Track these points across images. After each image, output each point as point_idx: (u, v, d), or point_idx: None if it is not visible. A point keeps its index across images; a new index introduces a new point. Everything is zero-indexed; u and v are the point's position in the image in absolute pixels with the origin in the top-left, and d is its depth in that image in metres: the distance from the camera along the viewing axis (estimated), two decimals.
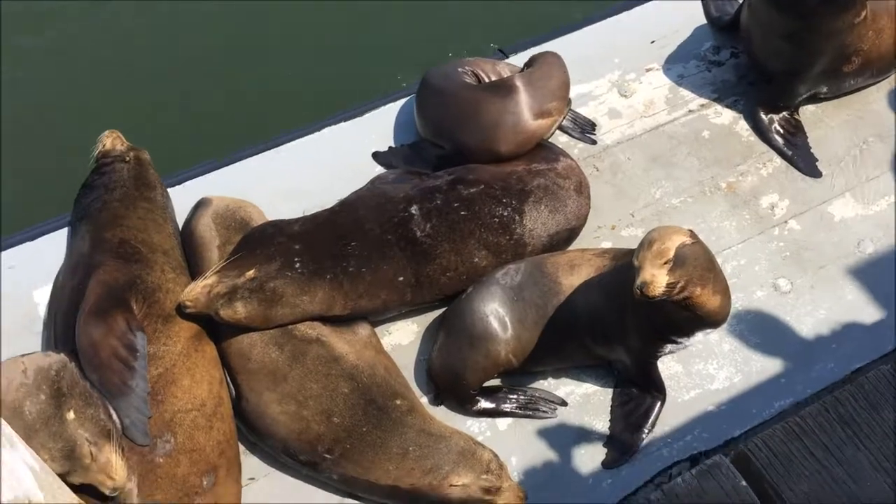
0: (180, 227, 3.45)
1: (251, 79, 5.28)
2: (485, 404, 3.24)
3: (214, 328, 3.11)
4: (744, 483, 2.48)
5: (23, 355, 2.72)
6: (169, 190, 3.62)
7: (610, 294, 3.10)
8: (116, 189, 3.31)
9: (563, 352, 3.25)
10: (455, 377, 3.20)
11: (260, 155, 3.96)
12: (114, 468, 2.55)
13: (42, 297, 3.43)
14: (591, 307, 3.13)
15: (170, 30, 5.49)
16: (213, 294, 2.95)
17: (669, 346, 3.18)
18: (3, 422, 1.89)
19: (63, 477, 2.50)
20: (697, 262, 2.82)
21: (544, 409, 3.26)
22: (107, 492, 2.56)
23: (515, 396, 3.26)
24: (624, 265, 3.06)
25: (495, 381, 3.32)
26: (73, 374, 2.65)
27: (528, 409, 3.25)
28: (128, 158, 3.42)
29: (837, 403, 2.62)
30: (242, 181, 3.82)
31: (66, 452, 2.49)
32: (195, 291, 2.95)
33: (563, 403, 3.29)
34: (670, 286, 2.75)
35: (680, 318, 2.94)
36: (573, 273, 3.18)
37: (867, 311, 3.55)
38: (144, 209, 3.28)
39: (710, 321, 2.99)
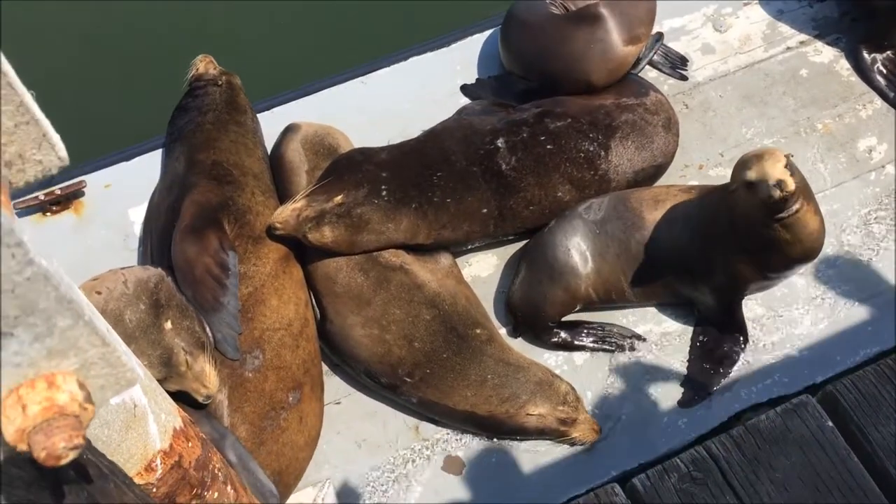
0: (269, 152, 3.52)
1: (338, 8, 5.27)
2: (563, 337, 3.25)
3: (301, 251, 3.19)
4: (830, 423, 2.43)
5: (122, 268, 2.84)
6: (260, 114, 3.68)
7: (697, 229, 3.07)
8: (209, 112, 3.38)
9: (645, 288, 3.23)
10: (534, 309, 3.21)
11: (346, 83, 3.97)
12: (207, 376, 2.67)
13: (137, 215, 3.56)
14: (675, 242, 3.10)
15: None
16: (301, 217, 3.01)
17: (756, 285, 3.13)
18: (112, 330, 1.98)
19: (159, 383, 2.64)
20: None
21: (621, 343, 3.25)
22: (200, 399, 2.69)
23: (593, 331, 3.27)
24: (711, 200, 3.03)
25: (574, 316, 3.33)
26: (170, 287, 2.76)
27: (605, 344, 3.25)
28: (220, 82, 3.48)
29: None
30: (329, 108, 3.84)
31: (163, 360, 2.61)
32: (285, 214, 3.02)
33: (641, 338, 3.28)
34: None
35: (781, 240, 2.92)
36: (658, 208, 3.14)
37: None
38: (235, 132, 3.34)
39: (807, 246, 2.97)
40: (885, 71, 3.90)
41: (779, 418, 2.45)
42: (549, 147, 3.25)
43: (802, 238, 2.92)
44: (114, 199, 3.64)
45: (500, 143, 3.23)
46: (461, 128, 3.31)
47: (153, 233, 3.23)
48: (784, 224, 2.86)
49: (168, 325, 2.65)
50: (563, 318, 3.27)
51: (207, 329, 2.80)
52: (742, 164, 2.85)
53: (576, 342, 3.25)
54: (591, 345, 3.25)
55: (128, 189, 3.64)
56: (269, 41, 5.14)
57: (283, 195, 3.28)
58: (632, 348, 3.26)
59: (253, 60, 4.69)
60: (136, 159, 3.73)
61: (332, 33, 5.16)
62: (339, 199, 3.03)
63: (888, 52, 3.91)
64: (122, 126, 4.35)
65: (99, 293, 2.64)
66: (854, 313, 3.34)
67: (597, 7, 3.56)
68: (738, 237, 2.98)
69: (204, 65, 3.55)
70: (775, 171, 2.74)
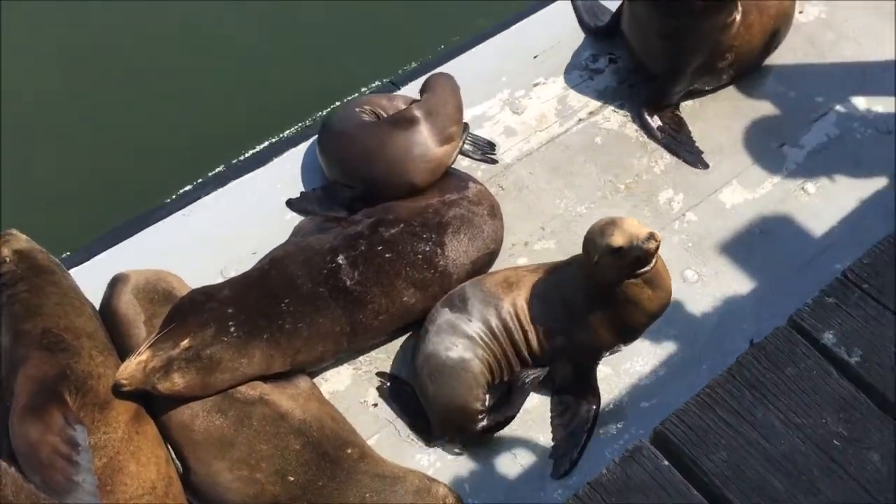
0: (98, 307, 3.34)
1: (140, 140, 5.13)
2: (498, 417, 3.28)
3: (151, 405, 3.04)
4: (666, 462, 2.48)
5: None
6: (78, 268, 3.52)
7: (554, 305, 3.25)
8: (18, 283, 3.10)
9: (530, 354, 3.35)
10: (462, 412, 3.24)
11: (167, 219, 3.89)
12: None
13: None
14: (537, 320, 3.27)
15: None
16: (148, 369, 2.88)
17: (612, 349, 3.37)
18: None
19: None
20: None
21: (530, 378, 3.30)
22: None
23: (512, 392, 3.30)
24: (563, 276, 3.28)
25: None
26: (16, 479, 2.54)
27: (524, 390, 3.29)
28: (8, 259, 3.16)
29: (742, 368, 2.63)
30: (153, 248, 3.74)
31: None
32: (130, 369, 2.88)
33: (544, 366, 3.35)
34: None
35: (643, 298, 3.15)
36: (512, 290, 3.31)
37: (768, 289, 3.77)
38: (56, 294, 3.12)
39: (664, 299, 3.23)
40: (666, 128, 4.31)
41: (618, 468, 2.47)
42: (387, 255, 3.32)
43: (661, 290, 3.18)
44: None
45: (340, 259, 3.27)
46: (301, 251, 3.31)
47: None
48: (645, 279, 3.09)
49: None
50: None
51: None
52: (599, 235, 3.02)
53: (508, 412, 3.28)
54: (517, 402, 3.28)
55: None
56: (72, 182, 4.90)
57: (123, 350, 3.12)
58: (539, 378, 3.32)
59: (56, 205, 4.46)
60: None
61: (135, 168, 5.00)
62: (185, 343, 2.93)
63: (667, 112, 4.33)
64: None
65: None
66: (686, 356, 3.59)
67: (411, 111, 3.72)
68: (602, 304, 3.18)
69: None
70: (638, 229, 2.97)
